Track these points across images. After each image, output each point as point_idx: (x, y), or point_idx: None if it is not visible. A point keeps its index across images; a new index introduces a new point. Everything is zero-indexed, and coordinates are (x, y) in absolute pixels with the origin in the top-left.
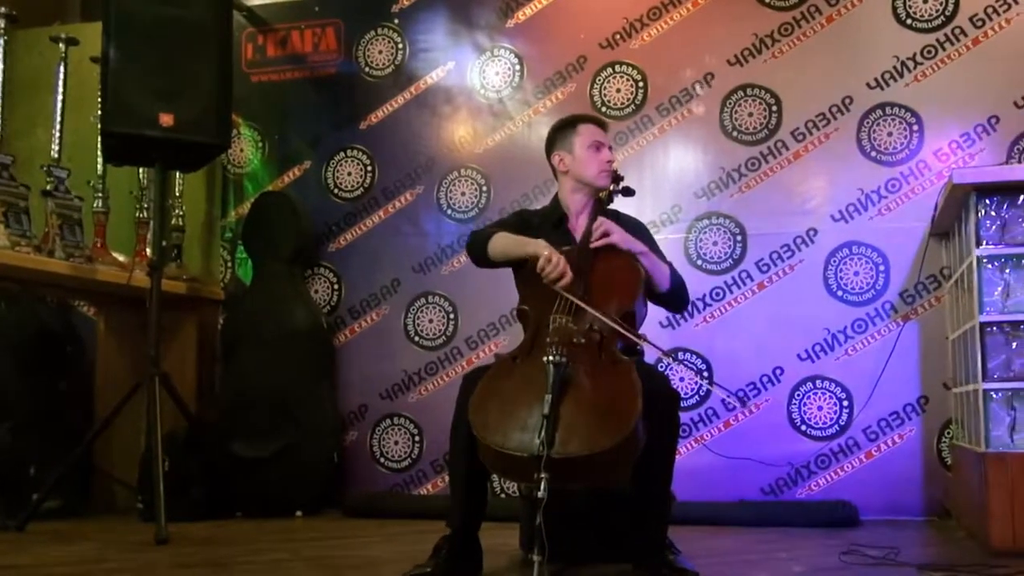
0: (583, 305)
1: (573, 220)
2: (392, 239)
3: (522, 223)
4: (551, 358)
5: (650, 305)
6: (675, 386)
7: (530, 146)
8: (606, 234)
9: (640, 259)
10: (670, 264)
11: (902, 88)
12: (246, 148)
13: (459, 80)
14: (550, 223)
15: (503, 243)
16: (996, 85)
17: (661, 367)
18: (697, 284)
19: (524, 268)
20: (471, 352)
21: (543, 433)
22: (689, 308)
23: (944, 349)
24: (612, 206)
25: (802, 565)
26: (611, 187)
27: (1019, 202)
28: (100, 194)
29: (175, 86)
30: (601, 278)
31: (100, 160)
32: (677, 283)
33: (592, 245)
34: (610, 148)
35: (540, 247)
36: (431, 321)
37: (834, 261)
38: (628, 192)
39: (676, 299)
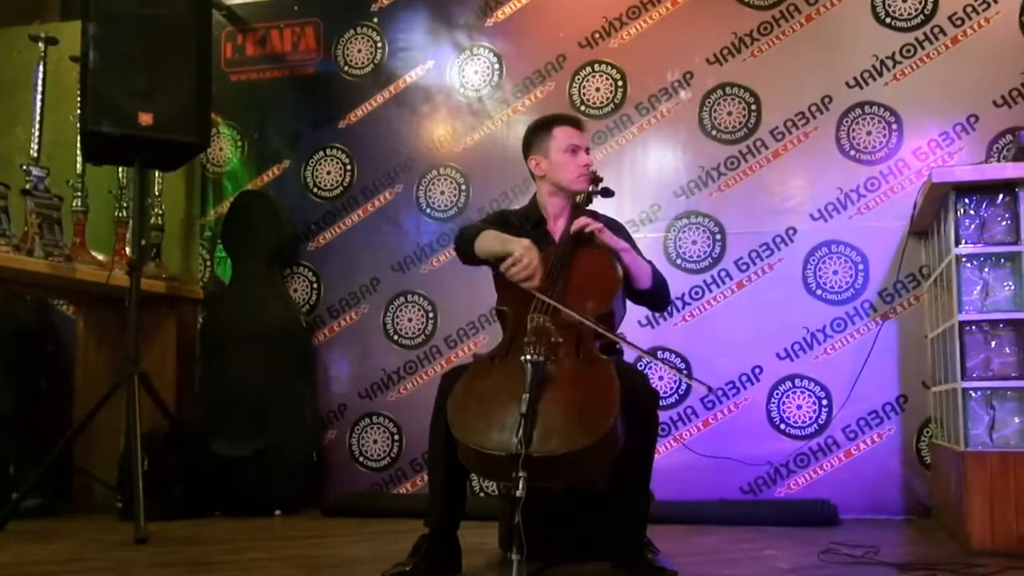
0: (558, 306)
1: (551, 223)
2: (371, 238)
3: (502, 223)
4: (529, 357)
5: (629, 305)
6: (654, 385)
7: (509, 145)
8: (590, 223)
9: (622, 256)
10: (651, 263)
11: (881, 87)
12: (225, 147)
13: (438, 79)
14: (529, 224)
15: (488, 241)
16: (975, 84)
17: (640, 366)
18: (676, 283)
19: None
20: (450, 351)
21: (521, 432)
22: (669, 307)
23: (923, 348)
24: (590, 206)
25: (782, 564)
26: (590, 188)
27: (998, 201)
28: (79, 193)
29: (154, 85)
30: (579, 278)
31: (79, 159)
32: (659, 281)
33: (574, 230)
34: (587, 150)
35: (517, 246)
36: (410, 320)
37: (813, 260)
38: (607, 193)
39: (658, 297)
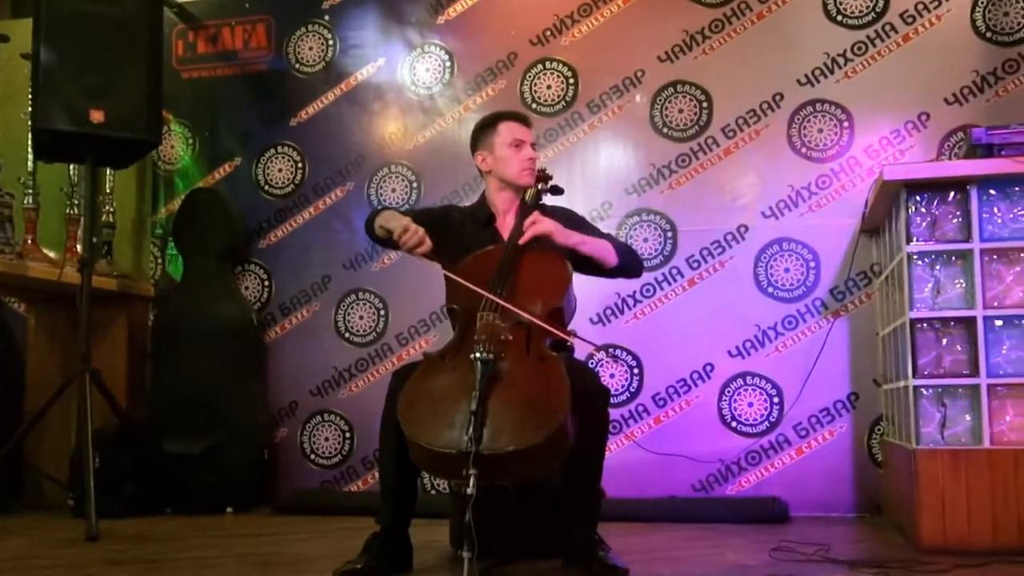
0: (503, 303)
1: (500, 219)
2: (323, 236)
3: (443, 216)
4: (478, 355)
5: (580, 302)
6: (605, 382)
7: (460, 142)
8: (535, 223)
9: (580, 249)
10: (609, 236)
11: (833, 85)
12: (176, 145)
13: (389, 77)
14: (478, 222)
15: (382, 220)
16: (926, 81)
17: (592, 364)
18: (628, 281)
19: (453, 267)
20: (401, 348)
21: (471, 430)
22: (619, 304)
23: (874, 346)
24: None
25: (732, 562)
26: (539, 186)
27: (949, 199)
28: (31, 191)
29: (105, 83)
30: (527, 276)
31: (31, 156)
32: (625, 253)
33: (523, 241)
34: (533, 145)
35: (400, 220)
36: (361, 318)
37: (765, 257)
38: (557, 191)
39: (630, 267)
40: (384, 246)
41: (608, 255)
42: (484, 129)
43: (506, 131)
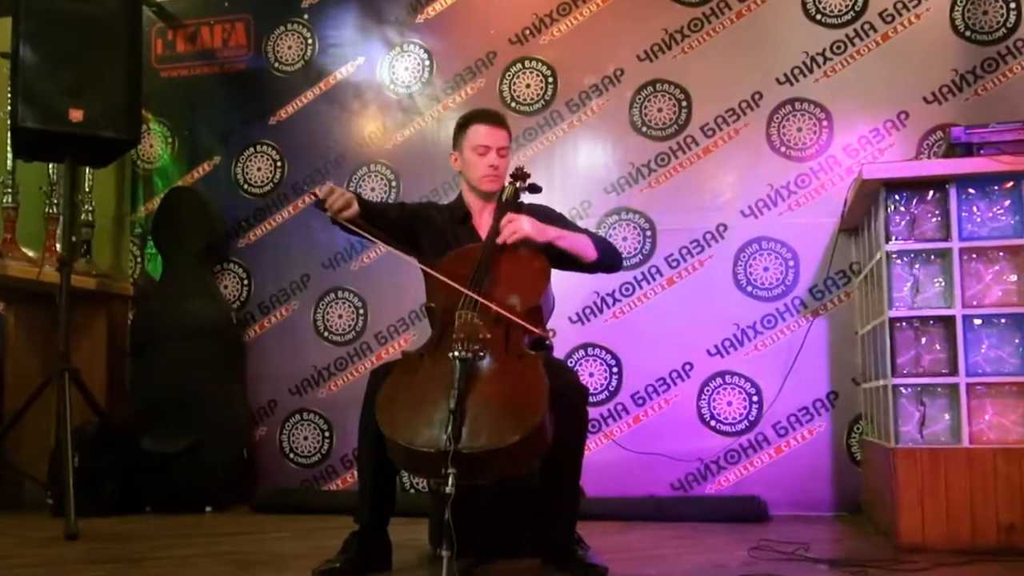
0: (482, 300)
1: (477, 217)
2: (302, 234)
3: (419, 211)
4: (456, 354)
5: (559, 300)
6: (584, 381)
7: (439, 141)
8: (515, 231)
9: (558, 244)
10: (587, 231)
11: (812, 83)
12: (156, 144)
13: (369, 75)
14: (455, 219)
15: None
16: (905, 80)
17: (571, 362)
18: (607, 280)
19: (432, 265)
20: (380, 347)
21: (450, 429)
22: (598, 302)
23: (853, 344)
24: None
25: (712, 561)
26: (516, 184)
27: (928, 197)
28: (10, 189)
29: (85, 81)
30: (506, 274)
31: (10, 155)
32: (604, 246)
33: (507, 241)
34: (501, 150)
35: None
36: (340, 316)
37: (744, 256)
38: (535, 189)
39: (609, 261)
40: (331, 221)
41: (587, 249)
42: (459, 129)
43: (475, 135)
